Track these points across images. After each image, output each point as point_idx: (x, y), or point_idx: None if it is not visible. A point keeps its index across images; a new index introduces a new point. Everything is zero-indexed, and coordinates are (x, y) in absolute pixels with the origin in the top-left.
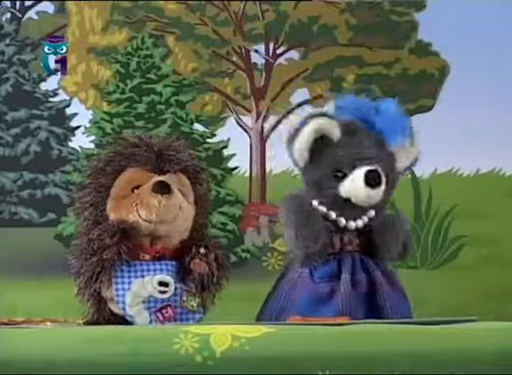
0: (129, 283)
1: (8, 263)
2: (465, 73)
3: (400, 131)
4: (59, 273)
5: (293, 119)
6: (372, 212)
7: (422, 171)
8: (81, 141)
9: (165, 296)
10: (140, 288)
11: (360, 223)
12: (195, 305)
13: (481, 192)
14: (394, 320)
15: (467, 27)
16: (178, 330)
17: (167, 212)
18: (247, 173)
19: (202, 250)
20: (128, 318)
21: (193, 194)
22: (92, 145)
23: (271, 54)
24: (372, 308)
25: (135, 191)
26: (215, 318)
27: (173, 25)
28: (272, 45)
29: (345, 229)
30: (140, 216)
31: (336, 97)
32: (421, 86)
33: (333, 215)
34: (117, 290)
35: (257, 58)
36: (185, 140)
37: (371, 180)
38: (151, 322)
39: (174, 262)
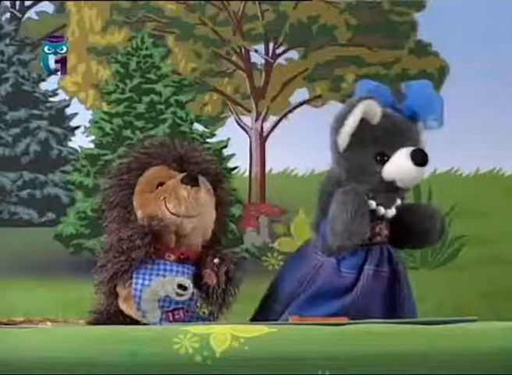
0: (150, 279)
1: (8, 263)
2: (465, 73)
3: (438, 112)
4: (59, 273)
5: None
6: (399, 201)
7: None
8: (81, 141)
9: (182, 299)
10: (159, 286)
11: (393, 211)
12: (206, 312)
13: (481, 192)
14: (394, 320)
15: (466, 27)
16: (178, 330)
17: (195, 204)
18: (247, 173)
19: (216, 260)
20: (139, 313)
21: (214, 198)
22: (92, 145)
23: (270, 54)
24: (392, 302)
25: (159, 187)
26: None
27: (173, 25)
28: (271, 45)
29: (378, 218)
30: (168, 209)
31: (360, 83)
32: None
33: (374, 204)
34: (136, 284)
35: (257, 58)
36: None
37: (420, 159)
38: (160, 321)
39: (194, 267)
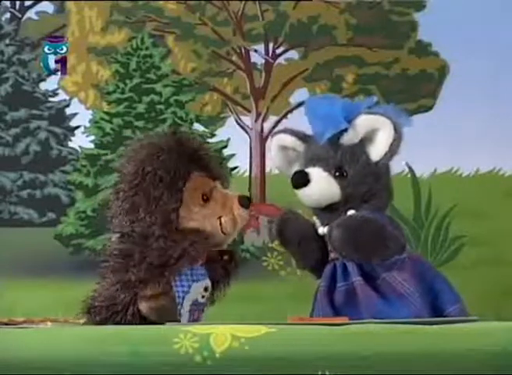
0: (189, 286)
1: (8, 263)
2: (465, 73)
3: (321, 129)
4: (59, 272)
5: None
6: (352, 212)
7: (422, 171)
8: (81, 141)
9: (204, 300)
10: (195, 291)
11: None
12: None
13: (481, 192)
14: (394, 320)
15: (466, 27)
16: (178, 330)
17: (241, 225)
18: (247, 173)
19: (226, 257)
20: (178, 318)
21: None
22: (92, 145)
23: (270, 54)
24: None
25: (205, 199)
26: (215, 318)
27: (173, 25)
28: (271, 45)
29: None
30: (222, 228)
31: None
32: (421, 86)
33: (317, 223)
34: (178, 292)
35: (257, 58)
36: None
37: (295, 182)
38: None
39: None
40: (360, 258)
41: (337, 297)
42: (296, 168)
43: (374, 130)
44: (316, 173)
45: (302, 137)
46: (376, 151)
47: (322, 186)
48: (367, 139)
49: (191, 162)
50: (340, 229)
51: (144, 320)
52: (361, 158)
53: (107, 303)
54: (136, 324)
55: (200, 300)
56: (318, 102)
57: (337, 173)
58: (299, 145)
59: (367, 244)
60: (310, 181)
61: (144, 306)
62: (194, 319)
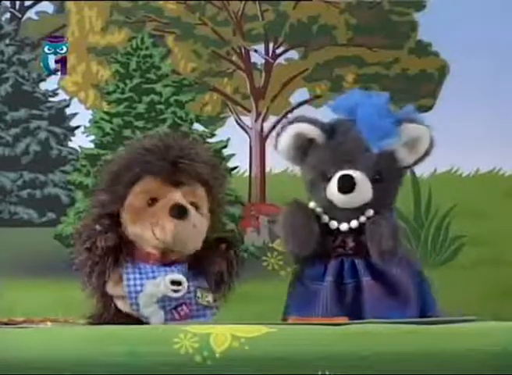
0: (142, 285)
1: (8, 263)
2: (465, 73)
3: (376, 138)
4: (59, 272)
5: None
6: (371, 212)
7: (422, 171)
8: (81, 141)
9: (179, 294)
10: (153, 289)
11: (354, 223)
12: (211, 300)
13: (481, 192)
14: (394, 320)
15: (466, 27)
16: (178, 330)
17: (182, 235)
18: (247, 173)
19: (223, 246)
20: (143, 319)
21: (209, 204)
22: (92, 145)
23: (270, 54)
24: (356, 316)
25: (151, 203)
26: (215, 318)
27: (173, 25)
28: (271, 45)
29: (338, 231)
30: (154, 235)
31: (335, 96)
32: (421, 86)
33: (326, 218)
34: (130, 292)
35: (257, 58)
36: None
37: (343, 187)
38: (166, 320)
39: (184, 263)
40: (388, 259)
41: (344, 294)
42: (303, 160)
43: (414, 138)
44: (360, 179)
45: (327, 129)
46: (412, 157)
47: (364, 191)
48: (405, 146)
49: (142, 167)
50: (392, 236)
51: (127, 317)
52: (397, 164)
53: (96, 311)
54: (122, 322)
55: (174, 294)
56: (368, 108)
57: (374, 177)
58: (320, 137)
59: (398, 246)
60: (355, 186)
61: (120, 304)
62: (183, 315)
